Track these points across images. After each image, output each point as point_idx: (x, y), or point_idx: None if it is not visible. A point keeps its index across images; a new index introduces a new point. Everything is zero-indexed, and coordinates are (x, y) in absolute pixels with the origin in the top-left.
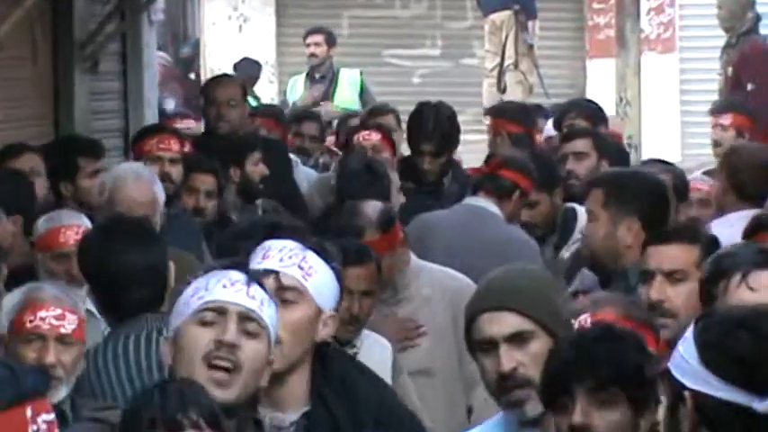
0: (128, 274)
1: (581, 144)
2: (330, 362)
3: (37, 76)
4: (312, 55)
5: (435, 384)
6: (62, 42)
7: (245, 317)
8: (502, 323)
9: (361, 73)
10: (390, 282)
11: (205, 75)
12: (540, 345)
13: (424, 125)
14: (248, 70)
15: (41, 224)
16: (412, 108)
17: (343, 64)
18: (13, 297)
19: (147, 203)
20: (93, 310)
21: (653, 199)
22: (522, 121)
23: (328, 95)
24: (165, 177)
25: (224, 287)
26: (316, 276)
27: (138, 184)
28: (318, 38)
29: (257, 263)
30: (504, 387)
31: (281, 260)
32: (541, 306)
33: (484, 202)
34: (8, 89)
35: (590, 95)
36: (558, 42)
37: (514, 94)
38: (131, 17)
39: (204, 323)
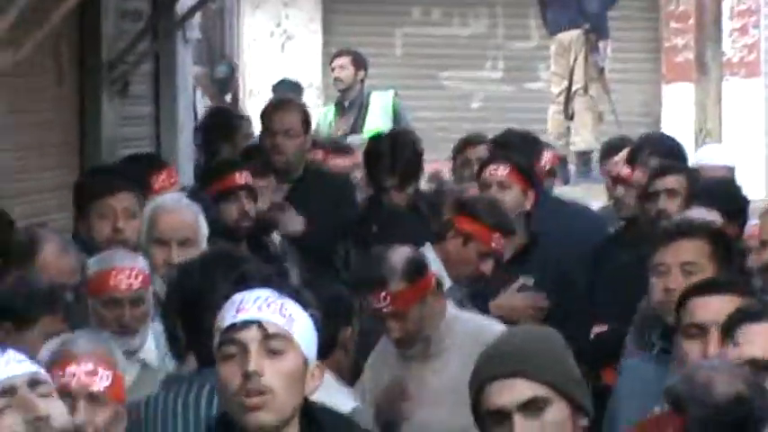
0: None
1: (672, 181)
2: (319, 419)
3: (61, 99)
4: (337, 79)
5: None
6: (89, 63)
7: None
8: (514, 391)
9: (396, 95)
10: (421, 335)
11: (243, 96)
12: (556, 412)
13: (382, 159)
14: (287, 93)
15: (92, 264)
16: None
17: (395, 86)
18: (48, 348)
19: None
20: (153, 361)
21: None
22: (525, 154)
23: (357, 127)
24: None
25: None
26: (298, 324)
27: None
28: (343, 60)
29: (231, 317)
30: None
31: (259, 309)
32: (556, 369)
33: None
34: (30, 114)
35: (665, 124)
36: (632, 65)
37: (583, 121)
38: (164, 35)
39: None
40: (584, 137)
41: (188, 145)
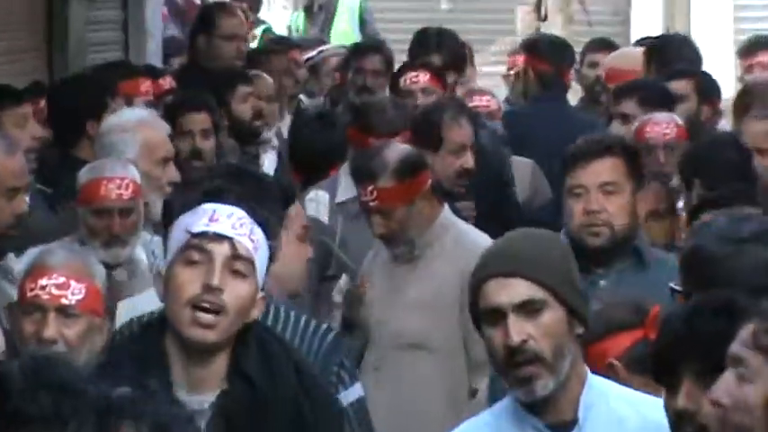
0: None
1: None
2: (253, 339)
3: (28, 4)
4: None
5: (434, 360)
6: None
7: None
8: (511, 291)
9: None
10: (405, 236)
11: None
12: (552, 316)
13: (425, 43)
14: None
15: (83, 174)
16: None
17: None
18: (25, 260)
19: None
20: (143, 270)
21: None
22: (555, 59)
23: (325, 30)
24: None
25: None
26: (261, 252)
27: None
28: None
29: (204, 224)
30: (511, 362)
31: (232, 227)
32: (555, 273)
33: None
34: None
35: (635, 25)
36: None
37: (554, 22)
38: None
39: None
40: None
41: (156, 50)
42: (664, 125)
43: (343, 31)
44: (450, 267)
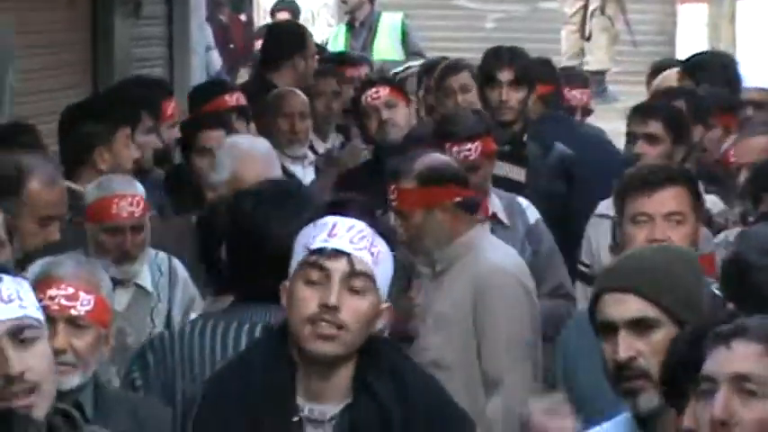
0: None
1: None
2: (378, 353)
3: (74, 20)
4: (344, 1)
5: (452, 379)
6: None
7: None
8: (624, 307)
9: (405, 17)
10: (422, 245)
11: (258, 17)
12: (664, 334)
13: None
14: (284, 11)
15: (91, 191)
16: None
17: (408, 7)
18: (32, 271)
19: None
20: (148, 285)
21: None
22: (549, 79)
23: (366, 48)
24: None
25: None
26: (383, 264)
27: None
28: None
29: (323, 240)
30: (619, 376)
31: (351, 241)
32: (671, 291)
33: None
34: (43, 34)
35: (680, 45)
36: None
37: (598, 42)
38: None
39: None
40: (599, 57)
41: (200, 66)
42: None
43: (385, 48)
44: (465, 285)
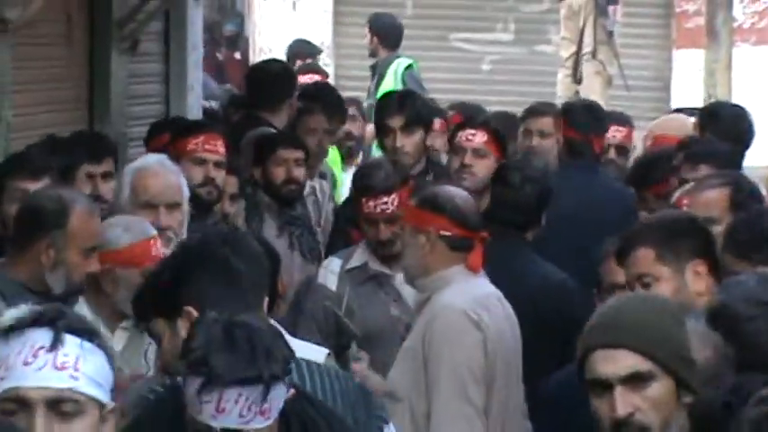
0: None
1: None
2: (291, 419)
3: (71, 57)
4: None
5: (401, 411)
6: (99, 20)
7: (57, 401)
8: (617, 363)
9: (409, 66)
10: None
11: (253, 55)
12: (660, 388)
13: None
14: (303, 53)
15: (122, 235)
16: (479, 98)
17: (406, 48)
18: None
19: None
20: None
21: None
22: (583, 127)
23: (374, 90)
24: (208, 182)
25: (24, 364)
26: (276, 403)
27: (165, 174)
28: (366, 30)
29: (209, 414)
30: None
31: (240, 414)
32: (663, 343)
33: None
34: (40, 70)
35: (675, 90)
36: (643, 30)
37: (592, 85)
38: None
39: (7, 413)
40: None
41: (197, 104)
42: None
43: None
44: (422, 320)
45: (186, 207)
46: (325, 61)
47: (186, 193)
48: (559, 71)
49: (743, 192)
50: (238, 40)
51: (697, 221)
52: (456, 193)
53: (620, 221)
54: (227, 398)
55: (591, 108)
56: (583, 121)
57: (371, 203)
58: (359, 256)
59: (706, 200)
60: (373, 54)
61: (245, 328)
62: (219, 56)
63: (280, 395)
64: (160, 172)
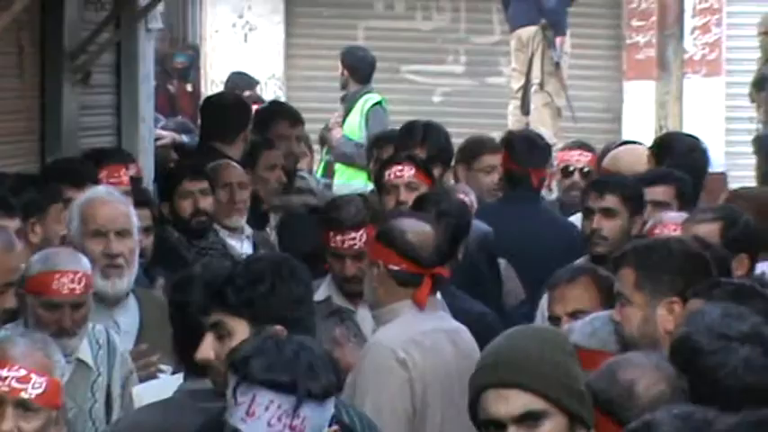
0: None
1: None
2: None
3: (23, 89)
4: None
5: None
6: (51, 52)
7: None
8: (509, 403)
9: (377, 103)
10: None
11: (205, 87)
12: (553, 425)
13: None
14: (242, 84)
15: (35, 263)
16: None
17: None
18: None
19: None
20: (89, 359)
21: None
22: (523, 159)
23: (342, 123)
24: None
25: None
26: (309, 423)
27: (113, 203)
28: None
29: (240, 417)
30: None
31: (269, 424)
32: (555, 381)
33: None
34: None
35: (626, 121)
36: (594, 62)
37: (541, 117)
38: (127, 25)
39: None
40: (543, 133)
41: (148, 135)
42: (672, 227)
43: (350, 126)
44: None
45: (136, 236)
46: (277, 93)
47: (135, 222)
48: (510, 103)
49: (737, 226)
50: (190, 72)
51: (695, 256)
52: (413, 226)
53: (566, 253)
54: (260, 401)
55: (531, 140)
56: (523, 153)
57: (339, 238)
58: (323, 289)
59: (698, 233)
60: (344, 86)
61: (296, 344)
62: (171, 88)
63: (315, 417)
64: (108, 201)
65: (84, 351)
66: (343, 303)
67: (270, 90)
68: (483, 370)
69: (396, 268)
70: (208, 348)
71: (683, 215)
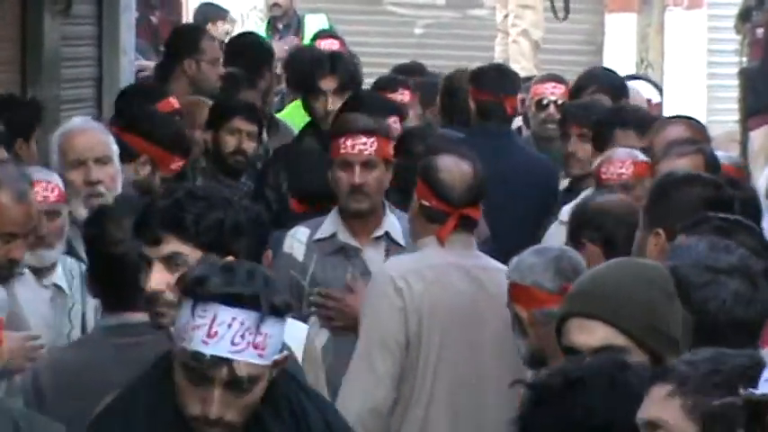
0: None
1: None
2: (277, 398)
3: (3, 19)
4: (275, 5)
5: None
6: None
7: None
8: (591, 334)
9: (329, 19)
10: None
11: (188, 18)
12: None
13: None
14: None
15: None
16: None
17: (338, 12)
18: None
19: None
20: (65, 286)
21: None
22: (496, 88)
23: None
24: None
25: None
26: (271, 346)
27: (91, 131)
28: None
29: (200, 339)
30: None
31: (232, 342)
32: (640, 319)
33: None
34: None
35: (608, 54)
36: None
37: (521, 49)
38: None
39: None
40: (524, 65)
41: (129, 65)
42: (618, 164)
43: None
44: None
45: (117, 164)
46: (259, 24)
47: (116, 149)
48: (498, 34)
49: (715, 159)
50: (172, 3)
51: (679, 185)
52: (449, 165)
53: (541, 191)
54: (221, 320)
55: (500, 69)
56: (493, 81)
57: (349, 143)
58: (327, 226)
59: (678, 167)
60: (285, 12)
61: (248, 265)
62: (154, 19)
63: (275, 335)
64: (86, 129)
65: (61, 278)
66: (349, 240)
67: (251, 22)
68: (572, 297)
69: (426, 204)
70: (160, 279)
71: (632, 152)
